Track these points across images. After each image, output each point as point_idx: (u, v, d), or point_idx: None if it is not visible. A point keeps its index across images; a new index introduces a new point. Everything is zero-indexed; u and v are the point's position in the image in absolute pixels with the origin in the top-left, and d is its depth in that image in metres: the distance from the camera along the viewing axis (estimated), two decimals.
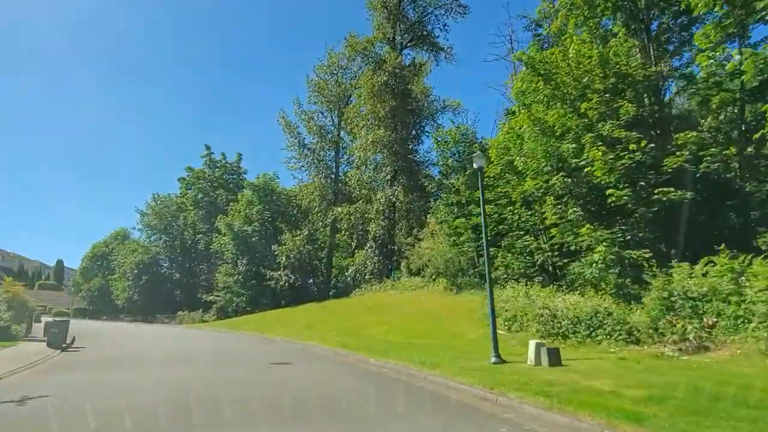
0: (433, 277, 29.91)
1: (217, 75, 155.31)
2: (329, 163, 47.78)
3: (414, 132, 42.42)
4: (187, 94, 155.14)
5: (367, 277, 39.30)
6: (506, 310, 16.63)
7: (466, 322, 18.30)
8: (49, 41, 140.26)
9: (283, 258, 42.28)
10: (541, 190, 18.88)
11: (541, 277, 19.94)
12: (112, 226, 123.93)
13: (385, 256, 39.59)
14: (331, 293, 43.10)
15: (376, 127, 40.19)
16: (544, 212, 18.43)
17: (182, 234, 58.90)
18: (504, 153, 21.73)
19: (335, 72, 46.56)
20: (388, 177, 40.45)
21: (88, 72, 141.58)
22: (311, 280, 45.01)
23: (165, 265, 60.11)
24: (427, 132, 43.29)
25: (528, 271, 20.75)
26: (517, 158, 20.02)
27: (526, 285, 17.97)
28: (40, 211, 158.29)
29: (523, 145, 19.79)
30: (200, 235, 55.33)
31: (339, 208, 42.79)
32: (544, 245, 20.18)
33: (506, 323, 16.24)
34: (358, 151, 41.56)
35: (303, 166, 48.15)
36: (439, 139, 30.73)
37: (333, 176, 47.07)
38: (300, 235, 42.89)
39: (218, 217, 46.80)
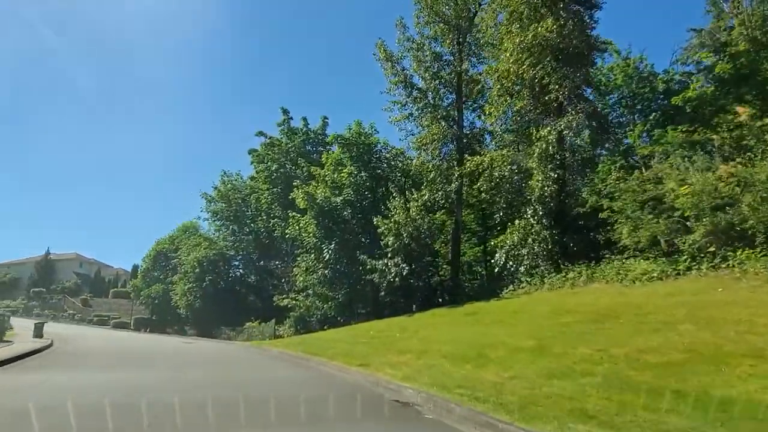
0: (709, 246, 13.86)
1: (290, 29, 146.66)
2: (447, 107, 32.35)
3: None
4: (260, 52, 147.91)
5: (525, 263, 23.33)
6: None
7: None
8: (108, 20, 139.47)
9: (390, 238, 27.31)
10: None
11: None
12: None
13: (562, 228, 23.34)
14: (465, 293, 27.44)
15: (530, 23, 24.39)
16: None
17: (254, 221, 46.17)
18: None
19: None
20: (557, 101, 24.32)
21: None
22: (431, 276, 29.75)
23: (235, 263, 47.60)
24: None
25: None
26: None
27: None
28: (120, 214, 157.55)
29: None
30: (275, 219, 41.98)
31: (473, 160, 27.23)
32: None
33: None
34: (505, 66, 25.72)
35: (411, 115, 33.08)
36: None
37: (455, 126, 31.52)
38: (418, 199, 27.66)
39: (296, 186, 32.82)
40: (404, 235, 27.34)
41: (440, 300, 28.55)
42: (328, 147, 44.45)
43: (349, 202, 31.38)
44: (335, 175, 32.68)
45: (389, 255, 27.70)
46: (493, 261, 26.35)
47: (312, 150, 46.24)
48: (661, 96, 27.20)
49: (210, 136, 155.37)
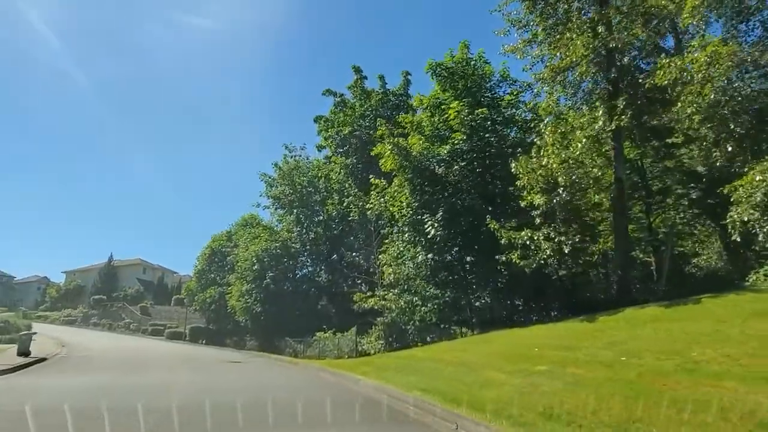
0: None
1: None
2: (588, 19, 21.35)
3: None
4: None
5: None
6: None
7: None
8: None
9: (537, 196, 16.97)
10: None
11: None
12: None
13: None
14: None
15: None
16: None
17: (323, 204, 37.10)
18: None
19: None
20: None
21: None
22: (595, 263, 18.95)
23: (301, 257, 38.62)
24: None
25: None
26: None
27: None
28: (187, 218, 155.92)
29: None
30: (350, 198, 32.64)
31: (669, 65, 16.22)
32: None
33: None
34: None
35: (535, 39, 22.41)
36: None
37: (602, 49, 20.49)
38: (585, 126, 17.10)
39: (381, 135, 23.31)
40: (562, 192, 16.88)
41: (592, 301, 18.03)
42: (412, 111, 34.67)
43: (458, 154, 21.27)
44: (435, 119, 22.80)
45: (537, 224, 17.32)
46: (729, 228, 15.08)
47: (391, 116, 36.59)
48: None
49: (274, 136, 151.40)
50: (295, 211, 37.21)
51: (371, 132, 33.90)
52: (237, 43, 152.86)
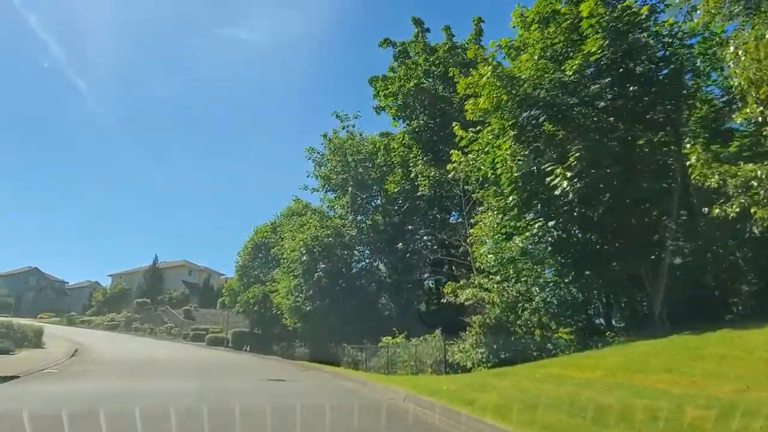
0: None
1: None
2: None
3: None
4: None
5: None
6: None
7: None
8: None
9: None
10: None
11: None
12: None
13: None
14: None
15: None
16: None
17: (381, 184, 30.70)
18: None
19: None
20: None
21: None
22: None
23: (358, 247, 32.26)
24: None
25: None
26: None
27: None
28: (231, 216, 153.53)
29: None
30: (417, 167, 26.05)
31: None
32: None
33: None
34: None
35: None
36: None
37: None
38: None
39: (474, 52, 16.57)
40: None
41: None
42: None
43: (597, 71, 14.33)
44: (549, 30, 15.96)
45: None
46: None
47: (461, 73, 29.73)
48: None
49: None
50: (350, 188, 30.87)
51: (442, 86, 27.28)
52: (280, 49, 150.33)
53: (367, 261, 33.68)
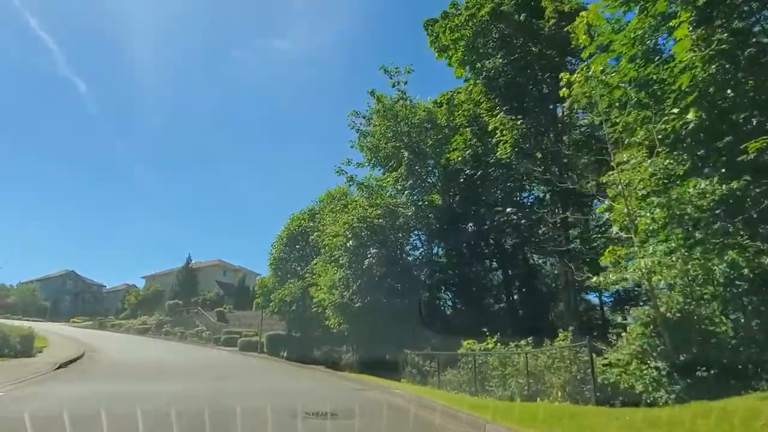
0: None
1: None
2: None
3: None
4: None
5: None
6: None
7: None
8: None
9: None
10: None
11: None
12: None
13: None
14: None
15: None
16: None
17: (439, 150, 24.67)
18: None
19: None
20: None
21: None
22: None
23: (415, 231, 26.32)
24: None
25: None
26: None
27: None
28: (267, 213, 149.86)
29: None
30: (496, 120, 19.83)
31: None
32: None
33: None
34: None
35: None
36: None
37: None
38: None
39: None
40: None
41: None
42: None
43: None
44: None
45: None
46: None
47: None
48: None
49: None
50: (405, 155, 24.90)
51: (525, 14, 21.05)
52: (318, 54, 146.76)
53: (424, 247, 27.74)
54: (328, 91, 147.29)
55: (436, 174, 26.72)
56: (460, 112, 24.77)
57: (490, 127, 19.87)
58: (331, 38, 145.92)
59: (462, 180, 25.67)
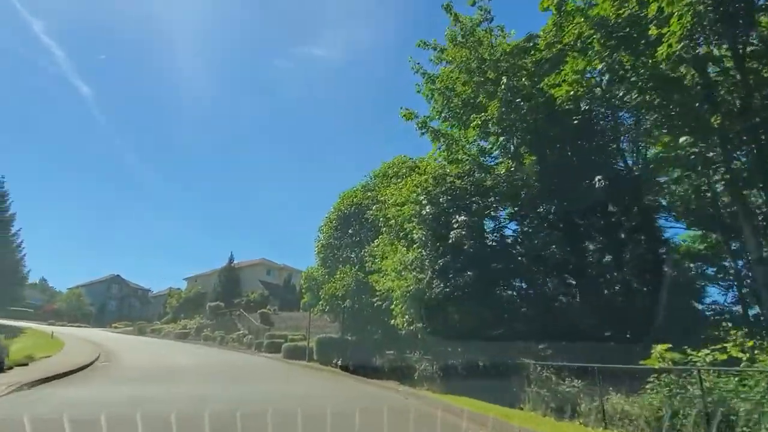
0: None
1: None
2: None
3: None
4: None
5: None
6: None
7: None
8: None
9: None
10: None
11: None
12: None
13: None
14: None
15: None
16: None
17: (538, 88, 17.92)
18: None
19: None
20: None
21: None
22: None
23: (508, 197, 19.64)
24: None
25: None
26: None
27: None
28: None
29: None
30: (611, 45, 12.96)
31: None
32: None
33: None
34: None
35: None
36: None
37: None
38: None
39: None
40: None
41: None
42: None
43: None
44: None
45: None
46: None
47: None
48: None
49: None
50: (504, 80, 18.11)
51: None
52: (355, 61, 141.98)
53: (515, 226, 20.86)
54: (366, 93, 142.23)
55: (535, 120, 19.86)
56: (569, 29, 17.82)
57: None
58: (368, 44, 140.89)
59: (572, 126, 18.74)
